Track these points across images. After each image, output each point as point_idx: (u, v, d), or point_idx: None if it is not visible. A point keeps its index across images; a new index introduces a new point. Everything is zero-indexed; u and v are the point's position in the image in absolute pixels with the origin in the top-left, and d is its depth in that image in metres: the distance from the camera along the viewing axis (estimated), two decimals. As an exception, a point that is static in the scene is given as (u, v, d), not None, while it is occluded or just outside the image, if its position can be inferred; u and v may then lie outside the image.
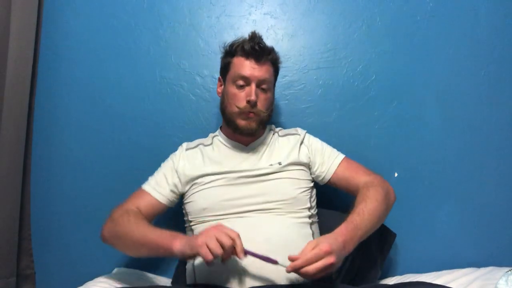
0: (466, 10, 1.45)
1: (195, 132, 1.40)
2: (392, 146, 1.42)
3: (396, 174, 1.40)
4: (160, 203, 1.14)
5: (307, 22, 1.48)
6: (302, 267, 0.81)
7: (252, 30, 1.43)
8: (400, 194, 1.38)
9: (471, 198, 1.39)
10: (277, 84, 1.44)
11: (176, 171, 1.17)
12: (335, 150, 1.22)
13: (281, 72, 1.45)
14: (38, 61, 1.44)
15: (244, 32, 1.43)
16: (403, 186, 1.39)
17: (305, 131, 1.26)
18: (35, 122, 1.43)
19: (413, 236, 1.38)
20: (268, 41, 1.45)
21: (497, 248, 1.36)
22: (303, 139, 1.23)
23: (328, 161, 1.18)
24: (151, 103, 1.45)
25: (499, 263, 1.22)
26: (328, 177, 1.17)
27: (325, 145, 1.23)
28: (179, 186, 1.15)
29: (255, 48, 1.12)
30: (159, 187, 1.15)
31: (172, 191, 1.15)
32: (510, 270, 1.03)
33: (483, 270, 1.16)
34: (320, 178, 1.18)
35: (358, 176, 1.13)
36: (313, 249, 0.83)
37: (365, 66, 1.45)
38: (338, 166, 1.17)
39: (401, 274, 1.31)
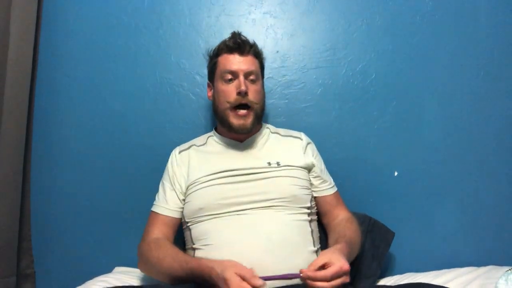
0: (466, 9, 1.45)
1: (195, 131, 1.40)
2: (391, 145, 1.42)
3: (396, 173, 1.40)
4: (177, 218, 1.14)
5: (307, 21, 1.48)
6: (319, 280, 0.83)
7: (252, 29, 1.46)
8: (400, 193, 1.40)
9: (470, 197, 1.39)
10: (277, 83, 1.45)
11: (177, 179, 1.16)
12: (331, 178, 1.25)
13: (281, 71, 1.46)
14: (38, 61, 1.44)
15: (244, 32, 1.43)
16: (403, 185, 1.40)
17: (310, 141, 1.26)
18: (35, 122, 1.43)
19: (413, 235, 1.38)
20: (268, 40, 1.47)
21: (497, 247, 1.36)
22: (307, 146, 1.23)
23: (328, 183, 1.21)
24: (151, 103, 1.45)
25: (499, 262, 1.22)
26: (319, 194, 1.19)
27: (325, 168, 1.26)
28: (184, 191, 1.15)
29: (237, 42, 1.16)
30: (168, 204, 1.14)
31: (182, 200, 1.15)
32: (510, 270, 1.03)
33: (482, 269, 1.16)
34: (312, 188, 1.19)
35: (342, 209, 1.20)
36: (326, 264, 0.85)
37: (364, 65, 1.45)
38: (332, 194, 1.20)
39: (401, 273, 1.31)
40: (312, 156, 1.21)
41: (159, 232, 1.11)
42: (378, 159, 1.41)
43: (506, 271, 1.03)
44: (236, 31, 1.21)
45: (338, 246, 0.96)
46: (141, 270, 1.11)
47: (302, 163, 1.16)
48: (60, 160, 1.43)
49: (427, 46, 1.45)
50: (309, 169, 1.18)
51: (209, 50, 1.24)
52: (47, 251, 1.41)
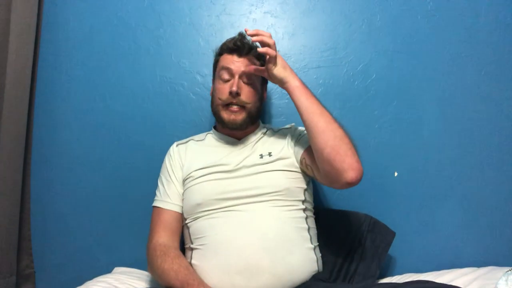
0: (466, 9, 1.44)
1: (195, 131, 1.39)
2: (392, 146, 1.41)
3: (396, 174, 1.40)
4: (180, 213, 1.15)
5: (308, 21, 1.47)
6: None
7: (252, 29, 1.45)
8: (400, 193, 1.40)
9: (471, 197, 1.38)
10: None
11: (175, 171, 1.18)
12: None
13: (281, 71, 1.45)
14: (38, 61, 1.44)
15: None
16: (403, 185, 1.40)
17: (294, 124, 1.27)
18: (35, 121, 1.43)
19: (413, 235, 1.37)
20: (268, 40, 1.46)
21: (497, 247, 1.35)
22: (296, 128, 1.24)
23: (305, 140, 1.15)
24: (151, 102, 1.45)
25: (499, 263, 1.22)
26: (300, 150, 1.14)
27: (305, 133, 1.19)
28: (182, 183, 1.16)
29: (237, 43, 1.18)
30: (170, 198, 1.15)
31: (181, 193, 1.16)
32: (510, 270, 1.03)
33: (483, 269, 1.16)
34: (295, 154, 1.15)
35: None
36: None
37: (365, 65, 1.45)
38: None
39: (401, 273, 1.31)
40: (299, 134, 1.19)
41: (165, 235, 1.10)
42: (378, 159, 1.41)
43: (506, 271, 1.03)
44: (242, 32, 1.19)
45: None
46: (150, 273, 1.11)
47: (292, 151, 1.15)
48: (60, 160, 1.43)
49: (427, 46, 1.44)
50: (300, 147, 1.15)
51: (216, 48, 1.26)
52: (47, 251, 1.41)
